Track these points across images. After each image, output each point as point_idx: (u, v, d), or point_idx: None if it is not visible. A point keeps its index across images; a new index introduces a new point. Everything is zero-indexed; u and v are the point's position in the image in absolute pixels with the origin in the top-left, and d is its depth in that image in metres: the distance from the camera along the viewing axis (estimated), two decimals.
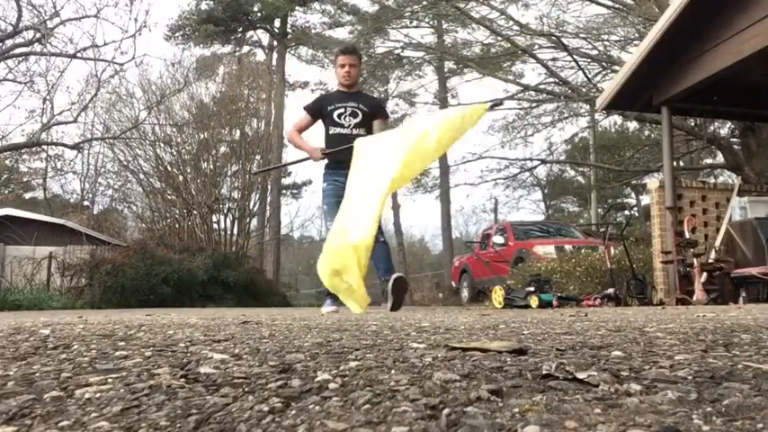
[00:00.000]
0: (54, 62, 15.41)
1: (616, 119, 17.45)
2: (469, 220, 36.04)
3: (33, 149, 20.15)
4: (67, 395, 0.84)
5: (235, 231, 16.02)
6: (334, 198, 4.15)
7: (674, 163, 8.92)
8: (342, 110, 4.32)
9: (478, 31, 15.46)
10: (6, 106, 32.14)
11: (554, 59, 14.41)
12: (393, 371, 1.00)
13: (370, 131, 4.32)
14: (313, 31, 22.76)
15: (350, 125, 4.31)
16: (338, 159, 4.14)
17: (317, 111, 4.45)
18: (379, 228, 3.83)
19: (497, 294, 7.64)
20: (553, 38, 13.22)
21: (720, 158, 12.19)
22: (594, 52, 13.93)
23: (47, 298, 10.32)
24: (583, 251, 9.72)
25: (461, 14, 14.24)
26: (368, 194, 3.19)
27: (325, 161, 4.35)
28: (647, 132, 16.56)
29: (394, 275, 3.99)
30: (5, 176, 25.07)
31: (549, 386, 0.86)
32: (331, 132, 4.35)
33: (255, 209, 17.48)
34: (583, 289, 7.79)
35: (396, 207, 25.55)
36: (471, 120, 3.34)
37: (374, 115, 4.42)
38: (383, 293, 4.10)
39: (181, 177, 15.79)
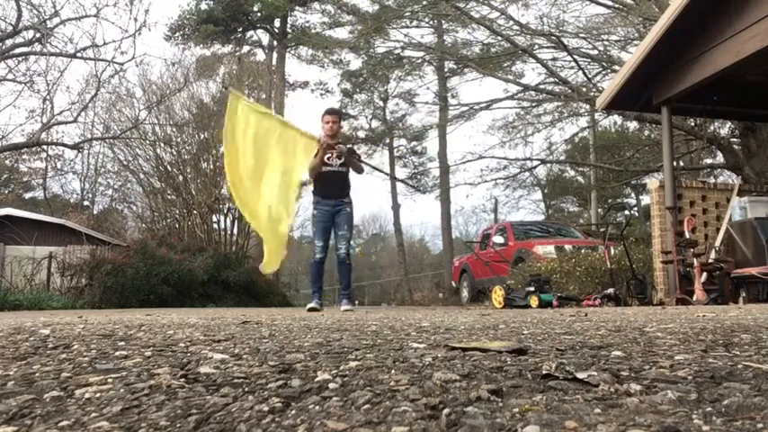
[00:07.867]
0: (54, 62, 15.43)
1: (616, 119, 17.41)
2: (469, 220, 35.92)
3: (33, 149, 20.16)
4: (67, 395, 0.84)
5: (235, 231, 16.00)
6: (322, 224, 5.55)
7: (674, 163, 8.90)
8: (329, 154, 5.60)
9: (478, 31, 15.44)
10: (6, 106, 32.14)
11: (554, 59, 14.40)
12: (393, 371, 1.00)
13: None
14: (313, 31, 22.73)
15: (336, 164, 5.65)
16: (326, 192, 5.58)
17: None
18: (348, 252, 5.57)
19: (497, 294, 7.64)
20: (553, 38, 13.20)
21: (720, 158, 12.18)
22: (594, 52, 13.91)
23: (47, 298, 10.29)
24: (583, 251, 9.70)
25: (461, 14, 14.20)
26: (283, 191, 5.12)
27: (316, 192, 5.67)
28: (647, 132, 16.53)
29: (345, 307, 5.29)
30: (5, 176, 25.06)
31: (549, 386, 0.86)
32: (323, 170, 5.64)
33: None
34: (583, 289, 7.78)
35: (396, 207, 25.55)
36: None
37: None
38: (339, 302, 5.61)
39: (181, 177, 15.76)
